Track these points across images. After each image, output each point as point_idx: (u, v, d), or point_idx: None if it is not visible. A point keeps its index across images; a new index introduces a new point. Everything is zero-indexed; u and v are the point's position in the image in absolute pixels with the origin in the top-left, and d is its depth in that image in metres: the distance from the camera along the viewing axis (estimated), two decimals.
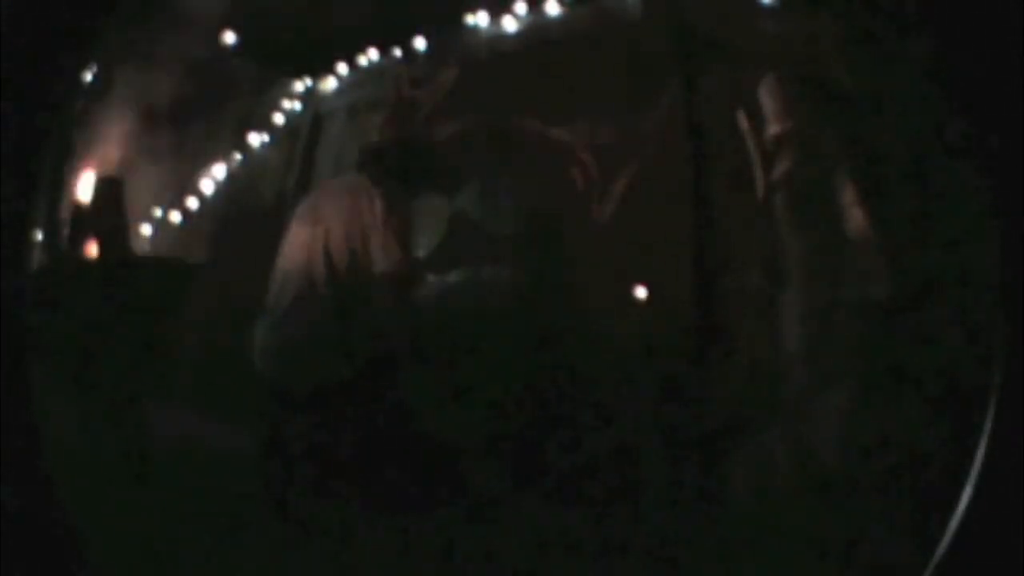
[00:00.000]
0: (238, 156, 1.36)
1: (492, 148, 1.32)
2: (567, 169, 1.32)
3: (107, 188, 1.37)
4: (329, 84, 1.36)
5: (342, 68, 1.36)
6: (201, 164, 1.36)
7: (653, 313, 1.28)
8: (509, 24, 1.35)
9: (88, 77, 1.42)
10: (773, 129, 1.29)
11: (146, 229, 1.36)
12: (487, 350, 1.29)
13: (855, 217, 1.30)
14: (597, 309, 1.29)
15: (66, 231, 1.37)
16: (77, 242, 1.38)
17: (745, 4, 1.33)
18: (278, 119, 1.36)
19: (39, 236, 1.38)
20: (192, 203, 1.36)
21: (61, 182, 1.38)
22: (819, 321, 1.28)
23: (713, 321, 1.27)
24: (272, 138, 1.36)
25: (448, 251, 1.30)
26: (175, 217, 1.36)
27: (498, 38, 1.34)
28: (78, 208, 1.38)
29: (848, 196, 1.31)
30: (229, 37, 1.36)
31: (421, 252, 1.31)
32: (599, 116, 1.33)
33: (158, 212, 1.37)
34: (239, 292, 1.34)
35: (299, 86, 1.36)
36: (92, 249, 1.37)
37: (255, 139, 1.36)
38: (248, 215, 1.36)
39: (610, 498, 1.26)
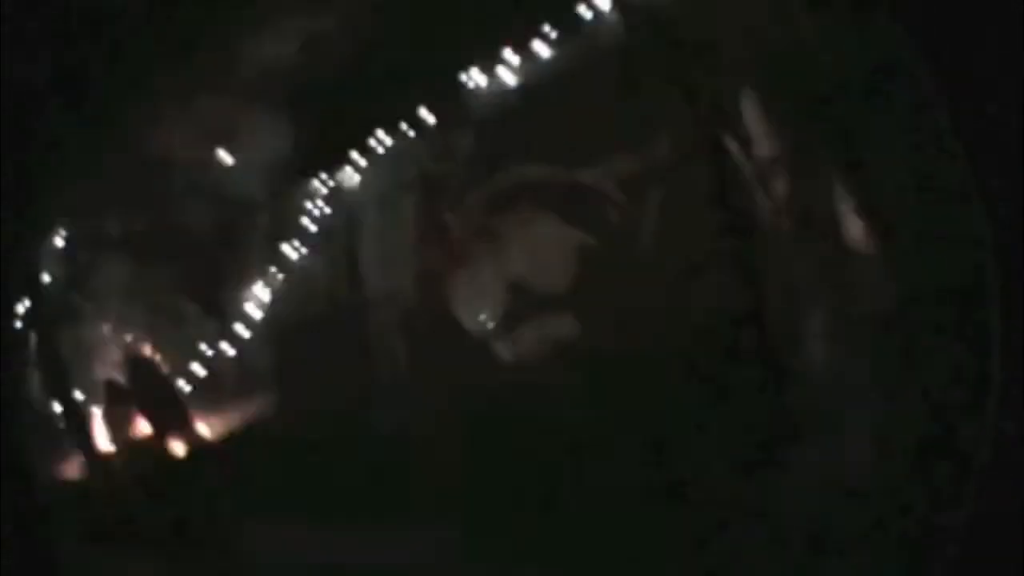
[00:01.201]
0: (275, 270, 1.37)
1: (528, 200, 1.35)
2: (602, 212, 1.35)
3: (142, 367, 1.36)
4: (350, 177, 1.37)
5: (357, 157, 1.37)
6: (238, 287, 1.38)
7: (694, 336, 1.31)
8: (506, 75, 1.36)
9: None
10: (763, 151, 1.30)
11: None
12: (564, 402, 1.34)
13: (856, 230, 1.32)
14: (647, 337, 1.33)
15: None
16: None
17: (733, 10, 1.34)
18: (310, 226, 1.37)
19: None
20: (242, 331, 1.37)
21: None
22: (835, 336, 1.31)
23: (751, 344, 1.31)
24: (308, 245, 1.37)
25: (511, 315, 1.34)
26: (227, 350, 1.38)
27: (500, 91, 1.36)
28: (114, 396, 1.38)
29: (846, 209, 1.33)
30: (226, 157, 1.36)
31: (484, 321, 1.35)
32: (615, 149, 1.36)
33: (208, 351, 1.38)
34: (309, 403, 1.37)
35: (318, 185, 1.37)
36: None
37: (290, 251, 1.37)
38: (307, 325, 1.38)
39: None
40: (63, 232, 1.40)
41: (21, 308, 1.37)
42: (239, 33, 1.37)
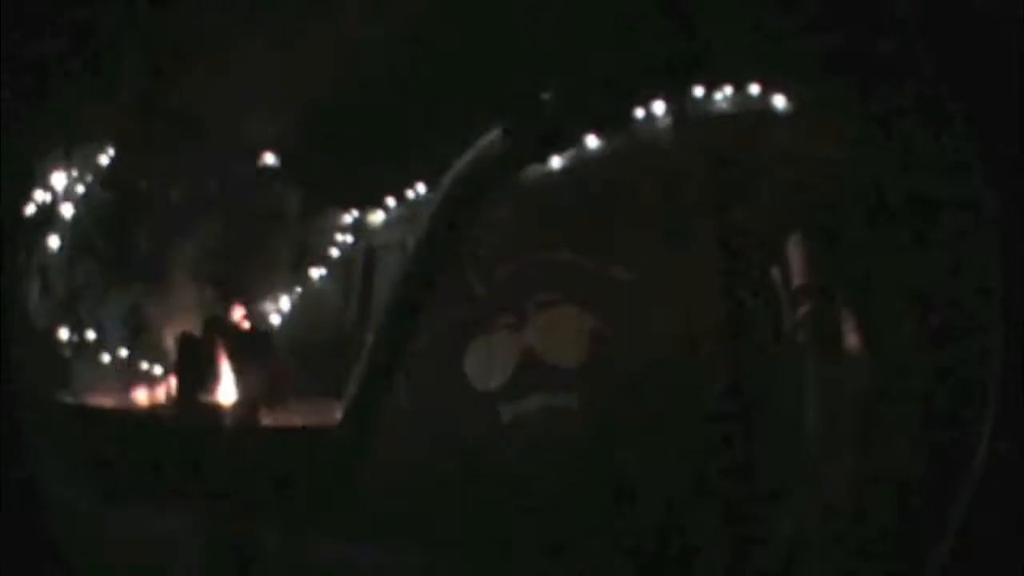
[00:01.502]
0: (298, 289, 1.35)
1: (552, 284, 1.36)
2: (622, 304, 1.37)
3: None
4: (378, 217, 1.37)
5: (390, 201, 1.38)
6: (259, 295, 1.35)
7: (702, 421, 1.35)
8: (554, 160, 1.40)
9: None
10: (798, 281, 1.39)
11: None
12: (556, 470, 1.31)
13: (853, 344, 1.41)
14: (653, 423, 1.33)
15: None
16: None
17: (766, 119, 1.42)
18: (332, 252, 1.36)
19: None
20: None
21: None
22: (829, 409, 1.39)
23: (751, 424, 1.35)
24: (328, 271, 1.35)
25: (519, 382, 1.32)
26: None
27: (544, 174, 1.39)
28: None
29: (849, 324, 1.42)
30: (269, 158, 1.35)
31: (494, 384, 1.33)
32: (645, 247, 1.39)
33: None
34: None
35: (347, 218, 1.37)
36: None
37: (314, 272, 1.35)
38: (311, 347, 1.35)
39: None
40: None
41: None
42: None
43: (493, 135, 1.36)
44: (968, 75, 1.43)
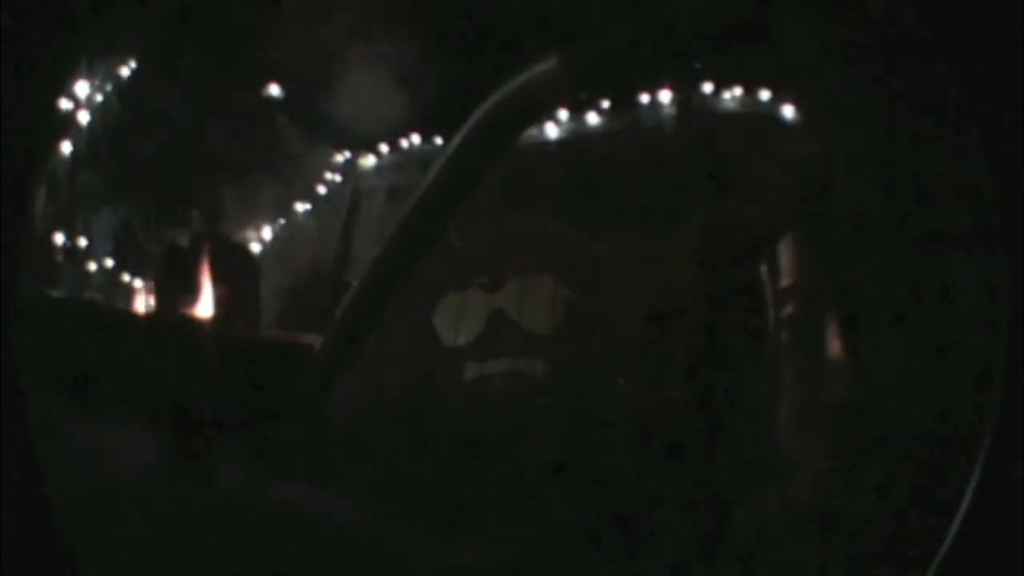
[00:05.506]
0: (283, 221, 1.37)
1: (531, 251, 1.37)
2: (598, 279, 1.37)
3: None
4: (369, 161, 1.39)
5: (383, 147, 1.39)
6: (245, 220, 1.37)
7: (667, 401, 1.37)
8: (551, 130, 1.40)
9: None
10: (785, 282, 1.39)
11: None
12: (516, 430, 1.32)
13: (835, 347, 1.42)
14: (620, 398, 1.34)
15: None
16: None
17: (768, 123, 1.42)
18: (320, 189, 1.38)
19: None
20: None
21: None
22: (804, 413, 1.41)
23: (718, 412, 1.38)
24: (313, 208, 1.37)
25: (487, 343, 1.33)
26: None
27: (540, 142, 1.40)
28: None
29: (831, 331, 1.41)
30: (275, 89, 1.38)
31: (462, 340, 1.33)
32: (628, 229, 1.39)
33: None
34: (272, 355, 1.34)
35: (339, 158, 1.39)
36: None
37: (300, 207, 1.37)
38: (286, 282, 1.37)
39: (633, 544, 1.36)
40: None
41: None
42: None
43: (546, 65, 1.35)
44: (987, 98, 1.42)
